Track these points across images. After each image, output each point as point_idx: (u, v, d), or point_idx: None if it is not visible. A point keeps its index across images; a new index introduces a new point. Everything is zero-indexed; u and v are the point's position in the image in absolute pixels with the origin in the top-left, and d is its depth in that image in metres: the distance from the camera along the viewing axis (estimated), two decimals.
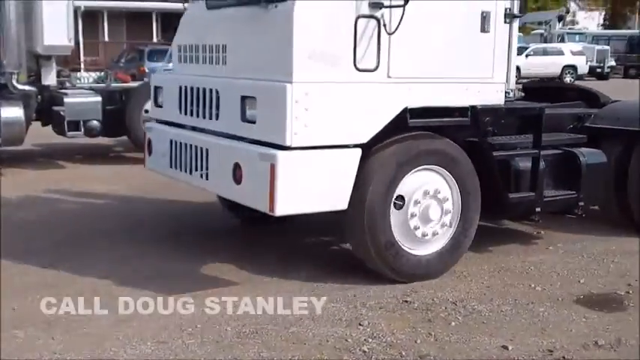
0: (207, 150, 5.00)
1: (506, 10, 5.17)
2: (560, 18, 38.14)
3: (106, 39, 30.81)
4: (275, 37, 4.53)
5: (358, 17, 4.45)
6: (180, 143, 5.33)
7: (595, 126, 6.10)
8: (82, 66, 25.32)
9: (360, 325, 4.26)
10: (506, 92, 5.34)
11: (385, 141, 4.73)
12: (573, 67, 33.24)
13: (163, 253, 5.65)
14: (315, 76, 4.42)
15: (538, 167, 5.43)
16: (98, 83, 12.84)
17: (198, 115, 5.23)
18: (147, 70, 20.42)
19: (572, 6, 61.64)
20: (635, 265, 5.47)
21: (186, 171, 5.29)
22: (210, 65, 5.20)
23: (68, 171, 9.93)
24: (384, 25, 4.55)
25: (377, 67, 4.55)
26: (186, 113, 5.39)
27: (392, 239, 4.82)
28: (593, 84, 31.60)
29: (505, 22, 5.18)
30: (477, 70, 5.13)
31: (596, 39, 42.48)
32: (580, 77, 32.78)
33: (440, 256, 5.09)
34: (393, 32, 4.55)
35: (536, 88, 7.40)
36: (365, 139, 4.62)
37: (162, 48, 23.89)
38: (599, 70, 36.42)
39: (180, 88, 5.40)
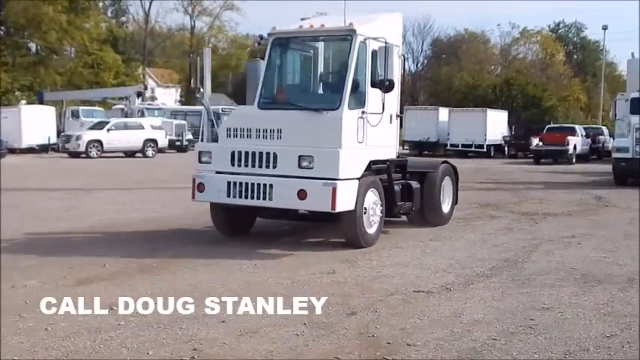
0: (271, 184, 8.78)
1: (396, 112, 10.16)
2: (139, 94, 40.40)
3: None
4: (328, 127, 8.84)
5: (358, 118, 9.08)
6: (241, 183, 8.95)
7: (409, 170, 10.75)
8: None
9: None
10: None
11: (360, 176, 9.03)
12: (154, 141, 33.66)
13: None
14: (347, 145, 8.84)
15: (404, 189, 10.35)
16: None
17: (254, 166, 8.98)
18: None
19: (150, 82, 65.37)
20: (200, 329, 5.50)
21: (246, 197, 8.92)
22: (265, 140, 9.10)
23: None
24: (368, 122, 9.22)
25: (363, 140, 9.14)
26: (239, 166, 9.07)
27: (367, 225, 9.17)
28: (175, 156, 35.05)
29: (396, 118, 10.18)
30: (389, 141, 10.06)
31: (174, 114, 44.16)
32: (161, 150, 33.97)
33: (377, 231, 9.46)
34: (375, 125, 9.31)
35: None
36: (359, 175, 9.00)
37: None
38: (178, 143, 38.05)
39: (234, 152, 9.15)
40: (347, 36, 9.22)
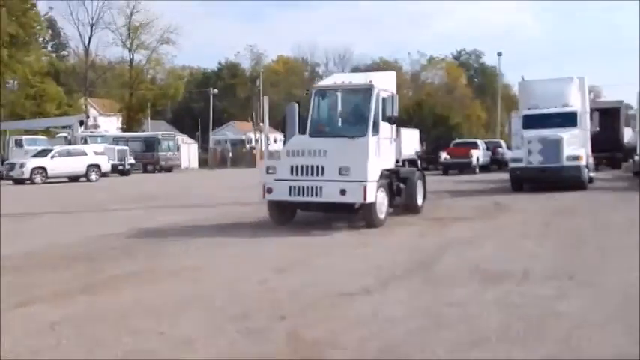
0: (321, 187, 11.75)
1: (394, 137, 13.41)
2: (82, 123, 39.86)
3: None
4: (358, 149, 11.85)
5: (376, 142, 12.33)
6: (298, 186, 11.92)
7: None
8: None
9: None
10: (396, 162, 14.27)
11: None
12: (97, 166, 33.08)
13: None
14: (371, 159, 11.91)
15: (397, 189, 13.27)
16: None
17: (307, 175, 11.91)
18: None
19: (93, 111, 65.73)
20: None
21: (303, 196, 11.91)
22: (315, 157, 11.95)
23: None
24: (381, 144, 12.53)
25: (379, 156, 12.27)
26: (297, 175, 12.00)
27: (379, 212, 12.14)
28: (119, 180, 35.41)
29: (394, 140, 13.46)
30: (391, 156, 13.30)
31: (116, 140, 44.68)
32: (105, 174, 33.86)
33: (385, 217, 12.30)
34: (385, 146, 12.81)
35: None
36: (377, 179, 12.01)
37: None
38: (120, 167, 38.32)
39: (292, 166, 12.08)
40: (368, 88, 12.57)
